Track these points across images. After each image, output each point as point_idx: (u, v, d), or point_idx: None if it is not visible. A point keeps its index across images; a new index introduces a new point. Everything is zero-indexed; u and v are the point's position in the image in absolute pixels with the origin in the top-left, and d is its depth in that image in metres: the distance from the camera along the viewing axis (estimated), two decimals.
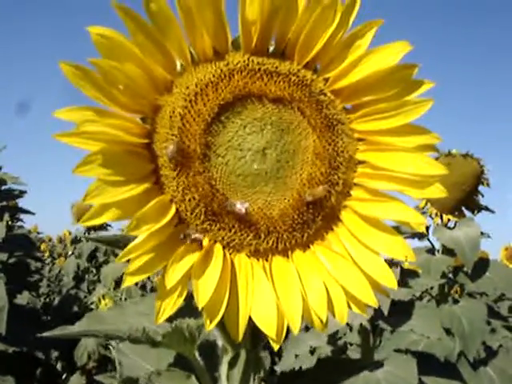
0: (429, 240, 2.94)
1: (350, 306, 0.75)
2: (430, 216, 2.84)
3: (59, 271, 7.44)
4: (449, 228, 2.87)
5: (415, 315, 2.60)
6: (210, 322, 0.68)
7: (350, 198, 0.81)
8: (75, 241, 7.56)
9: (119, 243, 0.77)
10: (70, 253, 7.42)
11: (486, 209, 2.84)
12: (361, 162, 0.82)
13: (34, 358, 3.70)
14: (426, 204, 2.88)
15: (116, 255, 5.55)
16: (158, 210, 0.69)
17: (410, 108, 0.79)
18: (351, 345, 2.77)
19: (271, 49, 0.81)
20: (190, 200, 0.73)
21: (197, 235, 0.71)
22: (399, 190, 0.78)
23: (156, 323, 0.68)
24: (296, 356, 2.71)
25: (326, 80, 0.81)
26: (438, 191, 0.78)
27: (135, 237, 0.68)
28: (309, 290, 0.73)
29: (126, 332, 0.79)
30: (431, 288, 2.91)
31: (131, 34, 0.72)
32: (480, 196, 2.79)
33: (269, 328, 0.69)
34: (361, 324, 2.44)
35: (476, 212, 2.83)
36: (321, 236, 0.79)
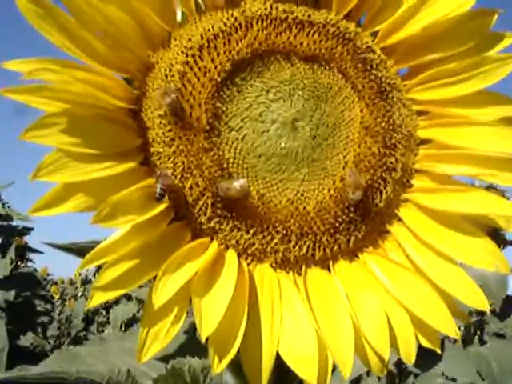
0: None
1: (417, 338, 0.53)
2: None
3: (70, 314, 7.23)
4: None
5: (445, 357, 2.41)
6: (220, 361, 0.46)
7: (410, 190, 0.59)
8: (85, 282, 7.35)
9: None
10: (79, 294, 7.19)
11: None
12: (423, 142, 0.61)
13: None
14: None
15: (126, 295, 5.32)
16: (143, 197, 0.49)
17: (487, 69, 0.59)
18: None
19: None
20: (191, 187, 0.52)
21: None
22: (478, 174, 0.57)
23: (140, 361, 0.46)
24: None
25: (375, 35, 0.61)
26: None
27: None
28: (362, 316, 0.51)
29: (104, 375, 0.58)
30: (458, 328, 2.75)
31: None
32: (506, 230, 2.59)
33: (307, 370, 0.47)
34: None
35: (502, 247, 2.65)
36: (373, 240, 0.58)
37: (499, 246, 2.08)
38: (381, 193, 0.57)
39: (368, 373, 2.45)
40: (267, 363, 0.48)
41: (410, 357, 0.52)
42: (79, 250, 0.58)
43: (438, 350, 0.54)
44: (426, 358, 2.32)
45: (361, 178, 0.56)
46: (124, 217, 0.46)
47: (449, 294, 0.52)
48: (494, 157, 0.56)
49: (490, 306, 2.67)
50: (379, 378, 2.39)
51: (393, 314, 0.52)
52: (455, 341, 2.74)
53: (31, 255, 5.16)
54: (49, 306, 5.29)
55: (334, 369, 0.50)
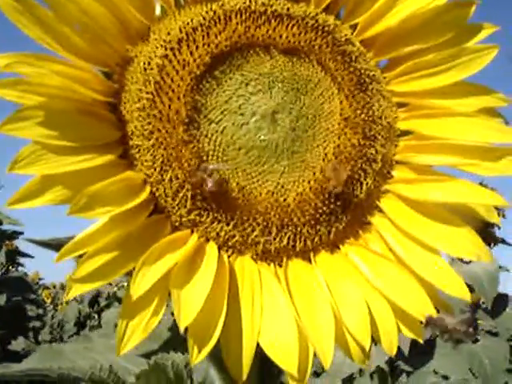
0: None
1: (399, 328, 0.53)
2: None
3: (62, 318, 7.19)
4: (465, 262, 2.68)
5: (437, 355, 2.42)
6: (199, 352, 0.46)
7: (391, 181, 0.60)
8: None
9: None
10: (71, 298, 7.15)
11: (503, 241, 2.66)
12: (403, 134, 0.61)
13: None
14: None
15: (118, 299, 5.30)
16: (122, 189, 0.48)
17: (466, 59, 0.60)
18: None
19: None
20: (170, 180, 0.52)
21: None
22: (458, 164, 0.57)
23: (118, 353, 0.46)
24: None
25: (354, 27, 0.61)
26: None
27: None
28: (343, 306, 0.51)
29: (86, 371, 0.57)
30: None
31: None
32: (496, 228, 2.61)
33: (287, 361, 0.47)
34: (378, 366, 2.27)
35: (493, 245, 2.66)
36: (354, 231, 0.58)
37: (489, 244, 2.09)
38: (361, 184, 0.57)
39: (360, 372, 2.45)
40: (248, 354, 0.48)
41: (391, 347, 0.52)
42: (58, 246, 0.58)
43: (421, 340, 0.54)
44: (419, 355, 2.33)
45: (342, 171, 0.56)
46: (102, 208, 0.45)
47: (430, 284, 0.52)
48: (474, 147, 0.56)
49: (482, 303, 2.68)
50: (372, 376, 2.39)
51: (374, 304, 0.52)
52: (446, 340, 2.75)
53: (22, 259, 5.13)
54: (41, 311, 5.26)
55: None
